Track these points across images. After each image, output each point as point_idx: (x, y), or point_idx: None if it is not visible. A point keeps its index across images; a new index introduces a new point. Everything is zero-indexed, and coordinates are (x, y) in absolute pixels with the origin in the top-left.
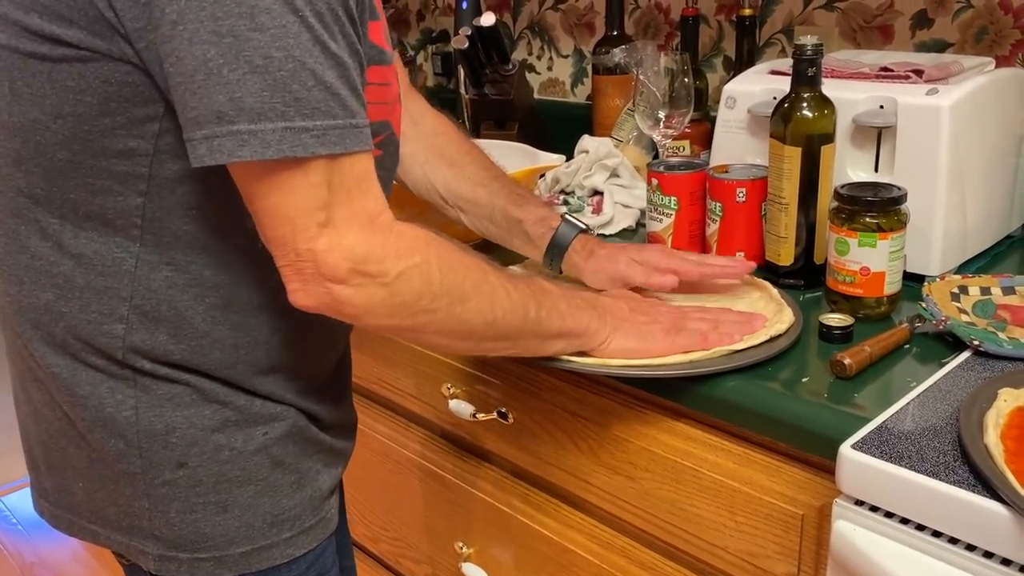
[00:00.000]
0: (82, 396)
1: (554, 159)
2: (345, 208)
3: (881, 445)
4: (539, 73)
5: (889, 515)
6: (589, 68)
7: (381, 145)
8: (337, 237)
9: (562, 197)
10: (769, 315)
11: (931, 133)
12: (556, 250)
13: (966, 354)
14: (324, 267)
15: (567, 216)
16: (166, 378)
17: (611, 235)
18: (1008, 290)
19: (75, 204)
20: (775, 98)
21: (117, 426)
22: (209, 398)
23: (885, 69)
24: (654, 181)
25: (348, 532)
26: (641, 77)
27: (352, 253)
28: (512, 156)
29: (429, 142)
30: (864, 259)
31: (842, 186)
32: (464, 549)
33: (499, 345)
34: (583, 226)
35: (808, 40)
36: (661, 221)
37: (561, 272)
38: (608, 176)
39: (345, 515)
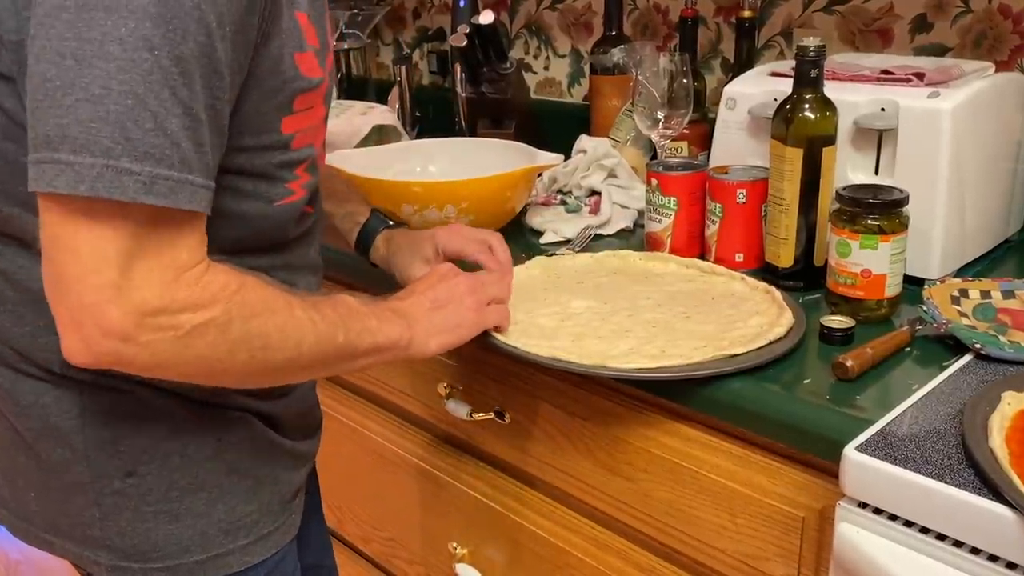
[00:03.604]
0: (26, 406)
1: (552, 158)
2: (150, 260)
3: (885, 447)
4: (535, 73)
5: (893, 518)
6: (586, 68)
7: (308, 170)
8: (128, 291)
9: (559, 197)
10: (771, 317)
11: (932, 136)
12: (362, 245)
13: (967, 357)
14: (107, 322)
15: (376, 211)
16: (110, 387)
17: (609, 236)
18: (1008, 294)
19: None
20: (775, 100)
21: (63, 435)
22: (157, 406)
23: (886, 72)
24: (654, 181)
25: (326, 531)
26: (640, 77)
27: (143, 307)
28: (510, 155)
29: None
30: (865, 261)
31: (844, 188)
32: (458, 550)
33: (307, 373)
34: (390, 222)
35: (811, 42)
36: (660, 221)
37: (375, 266)
38: (606, 176)
39: (322, 514)
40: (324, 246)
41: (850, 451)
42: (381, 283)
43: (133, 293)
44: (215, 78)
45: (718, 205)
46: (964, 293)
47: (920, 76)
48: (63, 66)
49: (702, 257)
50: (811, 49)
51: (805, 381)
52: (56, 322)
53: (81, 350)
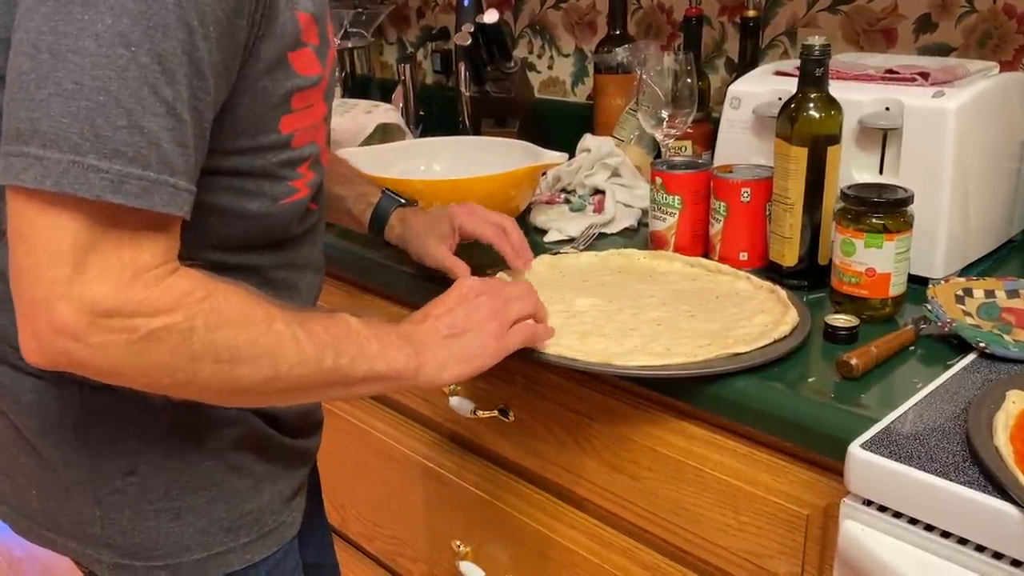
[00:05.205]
0: (27, 404)
1: (556, 157)
2: (107, 257)
3: (890, 445)
4: (539, 72)
5: (898, 515)
6: (590, 67)
7: (311, 168)
8: (80, 284)
9: (563, 195)
10: (776, 316)
11: (937, 136)
12: (377, 225)
13: (971, 356)
14: (57, 318)
15: (387, 191)
16: (110, 387)
17: (613, 234)
18: (1012, 293)
19: None
20: (780, 99)
21: (63, 434)
22: (157, 404)
23: (890, 71)
24: (658, 180)
25: (328, 529)
26: (644, 77)
27: (95, 306)
28: (514, 154)
29: None
30: (870, 260)
31: (849, 187)
32: (462, 548)
33: (290, 396)
34: (402, 200)
35: (816, 40)
36: (664, 220)
37: (389, 245)
38: (609, 175)
39: (323, 511)
40: (327, 243)
41: (855, 448)
42: (384, 277)
43: (84, 289)
44: (196, 78)
45: (722, 204)
46: (968, 292)
47: (925, 76)
48: (38, 59)
49: (706, 256)
50: (816, 48)
51: (810, 379)
52: (17, 318)
53: (35, 348)
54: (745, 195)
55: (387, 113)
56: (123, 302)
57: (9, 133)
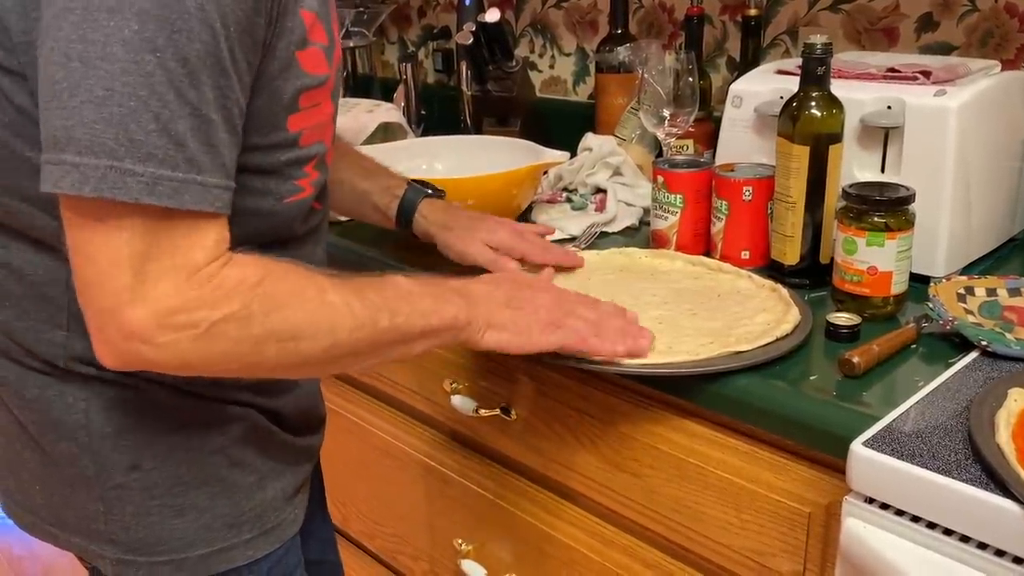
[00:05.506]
0: (30, 399)
1: (558, 156)
2: (162, 262)
3: (892, 443)
4: (541, 71)
5: (900, 513)
6: (592, 66)
7: (317, 167)
8: (143, 291)
9: (565, 194)
10: (777, 314)
11: (939, 134)
12: (404, 218)
13: (973, 354)
14: (127, 325)
15: (413, 181)
16: (114, 382)
17: (614, 233)
18: (1014, 291)
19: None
20: (782, 98)
21: (67, 429)
22: (161, 401)
23: (892, 70)
24: (660, 179)
25: (330, 526)
26: (646, 76)
27: (158, 308)
28: (516, 152)
29: None
30: (872, 258)
31: (851, 185)
32: (463, 546)
33: (354, 361)
34: (428, 191)
35: (818, 39)
36: (666, 219)
37: (416, 237)
38: (611, 174)
39: (326, 509)
40: (328, 242)
41: (857, 446)
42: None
43: (148, 295)
44: (222, 78)
45: (724, 202)
46: (970, 290)
47: (926, 74)
48: (69, 68)
49: (708, 254)
50: (818, 47)
51: (811, 378)
52: (87, 325)
53: (107, 353)
54: (747, 194)
55: (389, 112)
56: (184, 301)
57: (47, 142)
